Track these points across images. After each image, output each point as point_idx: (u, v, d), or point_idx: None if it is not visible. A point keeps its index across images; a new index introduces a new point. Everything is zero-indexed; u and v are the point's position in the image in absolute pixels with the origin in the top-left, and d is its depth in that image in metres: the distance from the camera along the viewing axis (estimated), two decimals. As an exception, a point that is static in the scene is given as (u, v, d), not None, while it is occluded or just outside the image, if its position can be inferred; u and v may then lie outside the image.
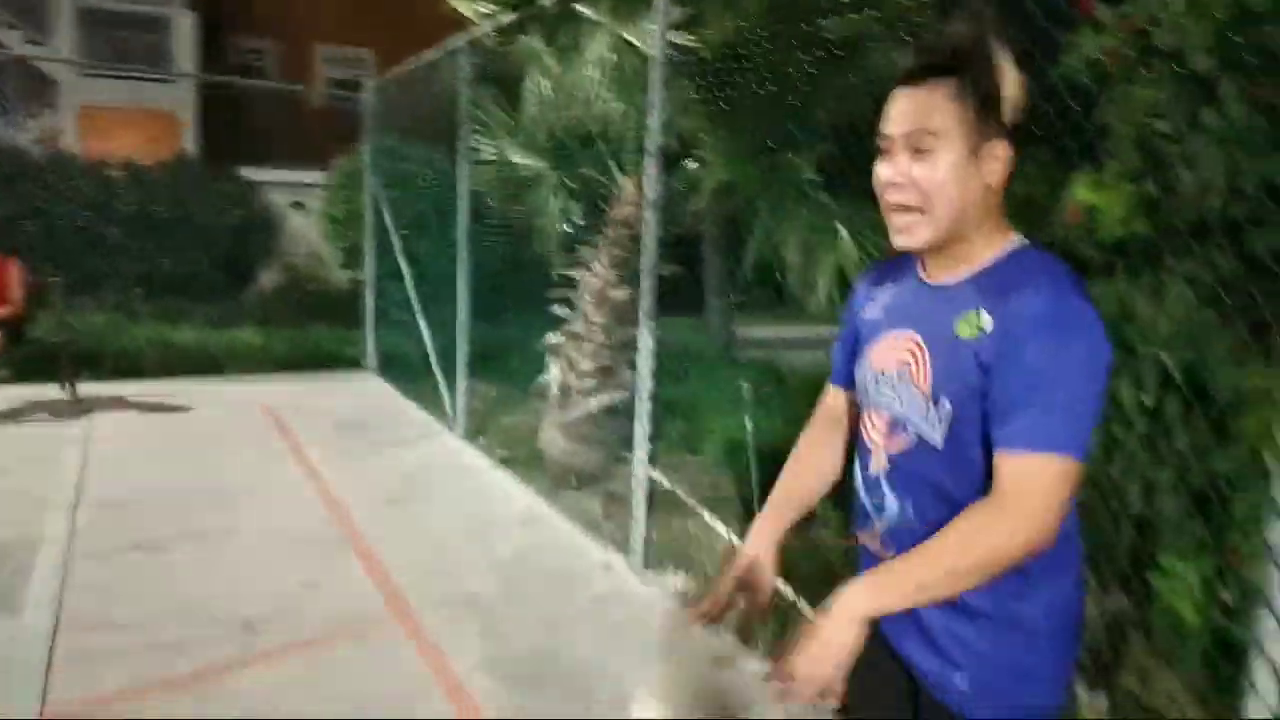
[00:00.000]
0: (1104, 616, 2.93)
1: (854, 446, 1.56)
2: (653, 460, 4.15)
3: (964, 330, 1.32)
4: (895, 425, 1.41)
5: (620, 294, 5.12)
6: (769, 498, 1.69)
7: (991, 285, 1.32)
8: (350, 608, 3.62)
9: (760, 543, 1.63)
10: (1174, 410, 2.31)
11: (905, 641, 1.44)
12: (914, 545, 1.32)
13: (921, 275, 1.45)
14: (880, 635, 1.43)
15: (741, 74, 4.20)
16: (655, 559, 4.15)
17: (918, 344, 1.39)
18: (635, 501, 4.19)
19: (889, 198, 1.38)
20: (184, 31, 15.11)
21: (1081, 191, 2.70)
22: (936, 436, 1.34)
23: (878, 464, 1.44)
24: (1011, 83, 1.32)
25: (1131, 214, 2.57)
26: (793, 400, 6.51)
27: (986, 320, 1.29)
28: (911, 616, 1.39)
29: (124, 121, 14.93)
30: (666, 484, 4.51)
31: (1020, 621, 1.36)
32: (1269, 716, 1.89)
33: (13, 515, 4.41)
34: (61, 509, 4.53)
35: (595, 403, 5.25)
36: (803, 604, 3.64)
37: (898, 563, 1.32)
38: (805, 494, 1.67)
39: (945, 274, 1.40)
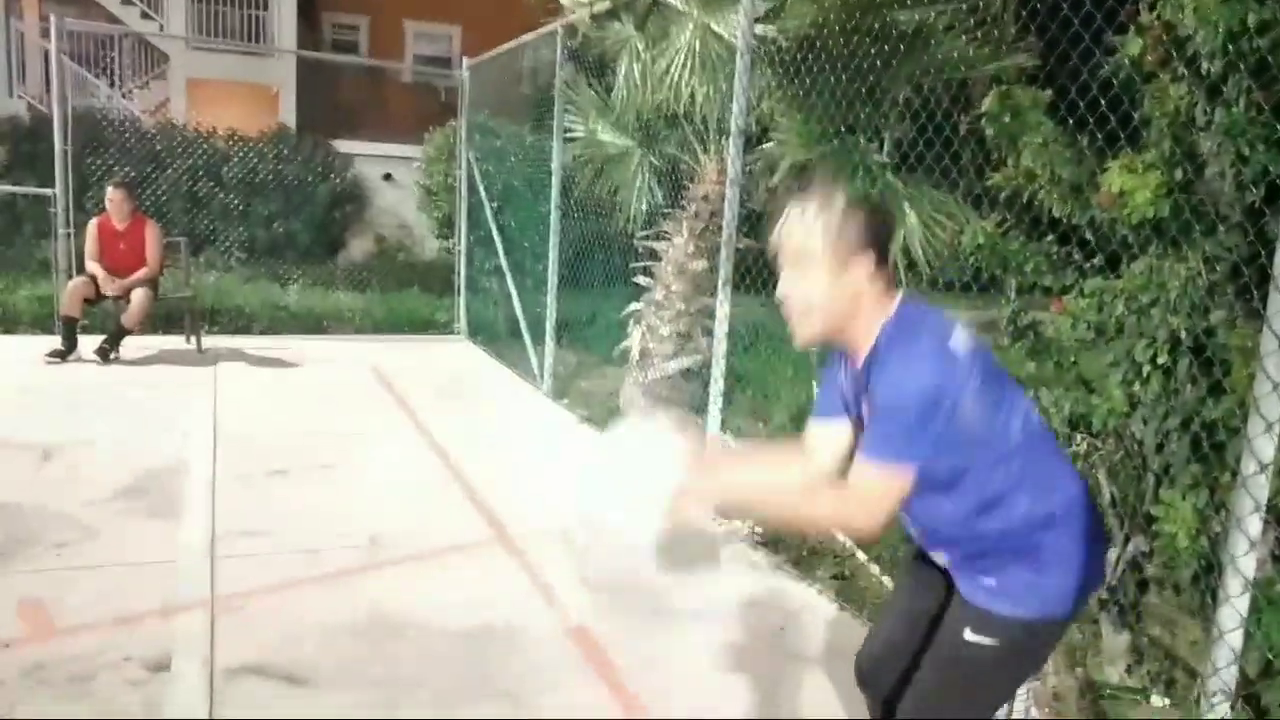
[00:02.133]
0: (1122, 560, 3.30)
1: None
2: (724, 417, 4.59)
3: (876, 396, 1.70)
4: None
5: (698, 265, 5.56)
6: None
7: (875, 365, 1.69)
8: (458, 531, 4.15)
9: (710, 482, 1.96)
10: (1184, 368, 2.67)
11: (946, 555, 1.85)
12: (943, 544, 1.83)
13: (851, 364, 1.81)
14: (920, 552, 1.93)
15: (817, 62, 4.56)
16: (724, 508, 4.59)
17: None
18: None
19: (786, 308, 1.75)
20: (284, 8, 15.82)
21: (1114, 177, 3.04)
22: None
23: None
24: (859, 215, 1.68)
25: (1158, 198, 2.90)
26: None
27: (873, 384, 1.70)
28: (957, 544, 1.81)
29: (227, 94, 15.73)
30: (733, 444, 4.96)
31: (1039, 550, 1.74)
32: (1242, 617, 2.27)
33: (162, 445, 5.04)
34: (202, 441, 5.16)
35: (673, 366, 5.71)
36: (861, 554, 4.07)
37: (748, 483, 1.95)
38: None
39: (856, 361, 1.76)
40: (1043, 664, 1.88)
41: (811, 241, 1.67)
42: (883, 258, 1.69)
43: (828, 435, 1.90)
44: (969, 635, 1.76)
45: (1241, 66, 2.44)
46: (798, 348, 1.79)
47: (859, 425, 1.81)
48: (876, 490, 1.64)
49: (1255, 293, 2.52)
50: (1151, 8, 2.89)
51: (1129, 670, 3.30)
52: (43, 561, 3.55)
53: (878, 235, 1.69)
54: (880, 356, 1.67)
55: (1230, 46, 2.41)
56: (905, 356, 1.62)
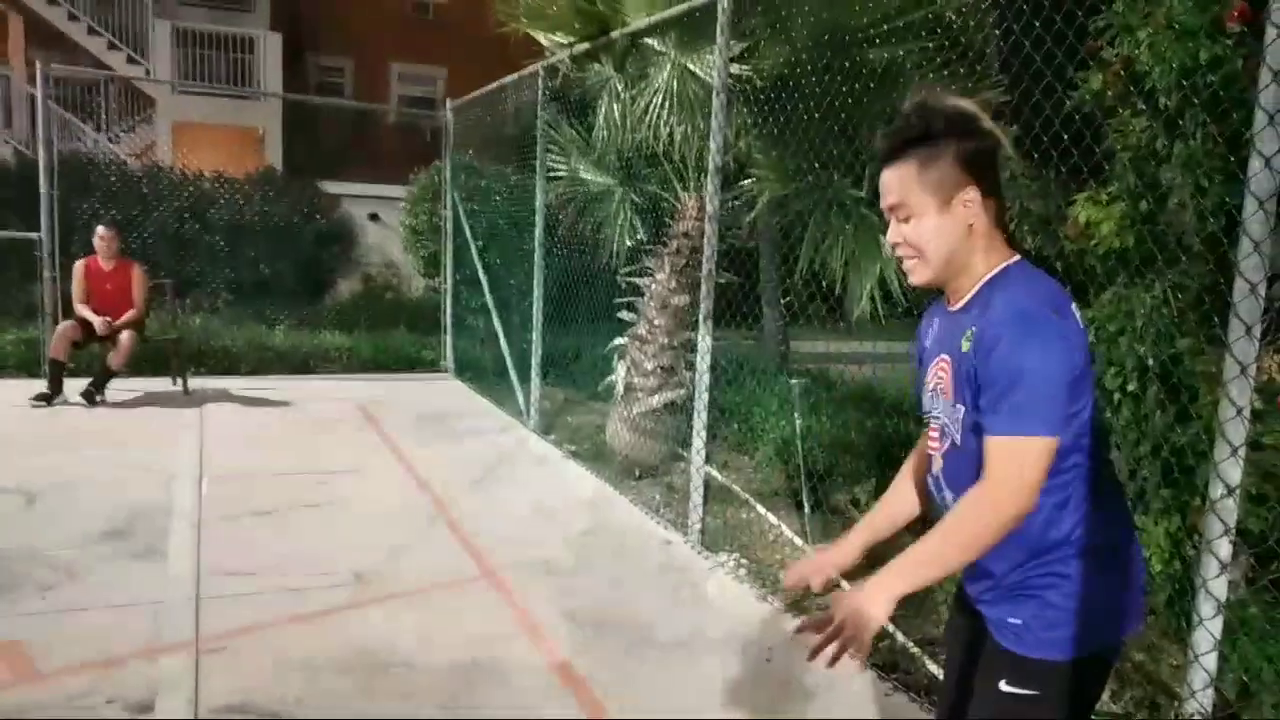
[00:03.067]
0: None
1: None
2: (709, 447, 4.63)
3: (964, 345, 1.59)
4: (942, 433, 1.70)
5: (681, 300, 5.62)
6: (867, 515, 1.96)
7: (979, 303, 1.61)
8: (443, 566, 4.16)
9: (844, 549, 1.87)
10: (1152, 395, 2.73)
11: (974, 592, 1.73)
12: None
13: (947, 307, 1.73)
14: (960, 595, 1.82)
15: (792, 100, 4.66)
16: (710, 540, 4.62)
17: (947, 362, 1.66)
18: (693, 486, 4.66)
19: (895, 253, 1.71)
20: (270, 51, 15.97)
21: (1081, 209, 3.12)
22: (959, 436, 1.63)
23: (936, 466, 1.74)
24: (981, 131, 1.58)
25: (1122, 229, 2.98)
26: (841, 406, 6.95)
27: (973, 332, 1.57)
28: (988, 582, 1.67)
29: (213, 137, 15.83)
30: (719, 477, 4.99)
31: (1071, 579, 1.59)
32: (1215, 639, 2.31)
33: (147, 486, 5.04)
34: (188, 481, 5.17)
35: (657, 399, 5.75)
36: (846, 585, 4.09)
37: (914, 550, 1.55)
38: (893, 515, 1.91)
39: (957, 300, 1.67)
40: (1093, 706, 1.69)
41: (908, 187, 1.61)
42: (992, 189, 1.61)
43: None
44: (1004, 687, 1.62)
45: (1195, 101, 2.52)
46: (911, 284, 1.69)
47: (929, 376, 1.74)
48: (1024, 466, 1.49)
49: (1218, 320, 2.59)
50: (1111, 44, 2.98)
51: (1113, 697, 3.33)
52: (27, 605, 3.55)
53: (978, 165, 1.60)
54: (986, 310, 1.57)
55: (1185, 82, 2.49)
56: (1025, 312, 1.51)
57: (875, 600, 1.52)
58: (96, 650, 3.19)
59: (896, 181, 1.62)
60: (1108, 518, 1.63)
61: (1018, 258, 1.65)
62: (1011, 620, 1.63)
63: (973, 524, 1.53)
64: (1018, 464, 1.49)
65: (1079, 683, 1.62)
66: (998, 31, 4.27)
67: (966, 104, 1.62)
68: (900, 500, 1.91)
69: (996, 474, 1.51)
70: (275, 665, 3.16)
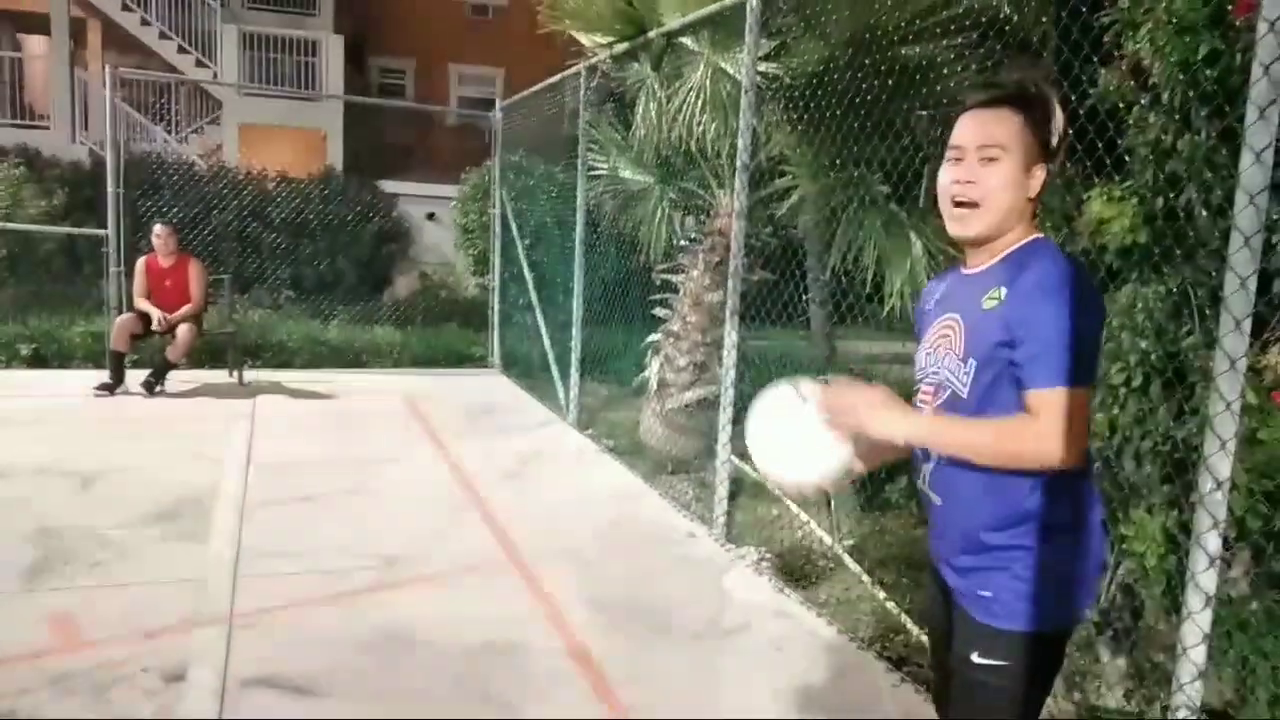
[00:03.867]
0: (1114, 584, 3.33)
1: None
2: (736, 445, 4.68)
3: (988, 304, 1.67)
4: (939, 389, 1.76)
5: (714, 297, 5.68)
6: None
7: (1007, 267, 1.69)
8: (473, 553, 4.29)
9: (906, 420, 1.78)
10: (1155, 391, 2.73)
11: (949, 570, 1.79)
12: (950, 483, 1.73)
13: (962, 270, 1.82)
14: (934, 569, 1.87)
15: (824, 97, 4.69)
16: (736, 534, 4.68)
17: (956, 321, 1.74)
18: (719, 479, 4.73)
19: (957, 193, 1.71)
20: (333, 54, 16.36)
21: (1096, 205, 3.12)
22: (964, 389, 1.69)
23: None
24: (1058, 121, 1.71)
25: (1135, 226, 2.98)
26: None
27: (1003, 292, 1.65)
28: (960, 546, 1.74)
29: (277, 138, 16.27)
30: (748, 469, 5.04)
31: (1024, 554, 1.67)
32: (1204, 632, 2.32)
33: (197, 473, 5.27)
34: (236, 469, 5.38)
35: (690, 395, 5.83)
36: (866, 578, 4.13)
37: (942, 421, 1.70)
38: None
39: (978, 264, 1.76)
40: (1054, 679, 1.78)
41: (1012, 137, 1.68)
42: (1051, 174, 1.73)
43: None
44: (976, 658, 1.70)
45: (1192, 94, 2.52)
46: (955, 234, 1.75)
47: (930, 337, 1.82)
48: (1067, 416, 1.55)
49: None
50: (1119, 41, 2.98)
51: (1128, 695, 3.32)
52: (77, 579, 3.75)
53: (1058, 151, 1.72)
54: (1022, 271, 1.64)
55: (1182, 76, 2.49)
56: (1066, 276, 1.59)
57: (881, 419, 1.70)
58: (138, 622, 3.38)
59: (999, 125, 1.69)
60: (1075, 495, 1.69)
61: (1043, 235, 1.75)
62: (981, 593, 1.70)
63: (1008, 442, 1.60)
64: (1069, 414, 1.55)
65: (1043, 654, 1.70)
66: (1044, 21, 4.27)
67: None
68: None
69: (1050, 419, 1.56)
70: (303, 641, 3.32)
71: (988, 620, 1.69)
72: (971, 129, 1.72)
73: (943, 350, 1.76)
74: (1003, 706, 1.70)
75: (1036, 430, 1.56)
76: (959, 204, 1.72)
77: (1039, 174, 1.70)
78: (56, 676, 2.97)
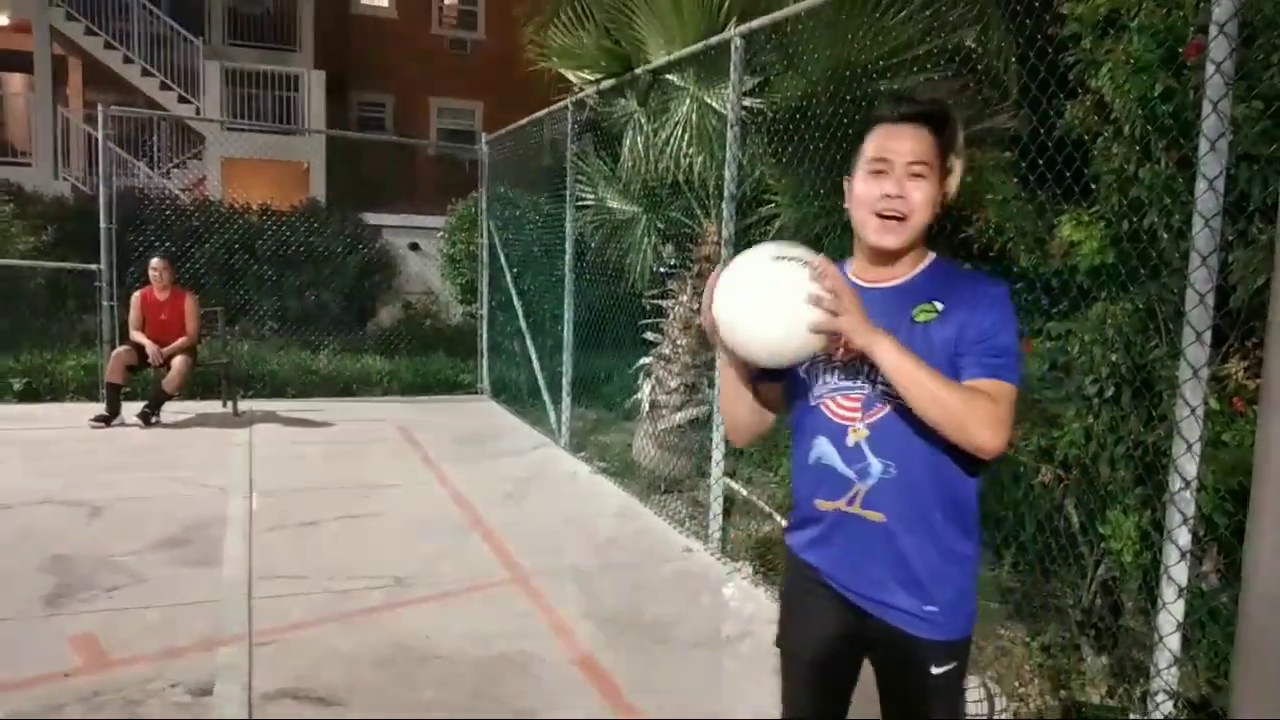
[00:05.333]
0: (1094, 583, 3.53)
1: (798, 435, 1.86)
2: (731, 462, 4.86)
3: (921, 316, 1.72)
4: (869, 403, 1.73)
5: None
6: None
7: (934, 282, 1.76)
8: (476, 571, 4.43)
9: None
10: (1126, 400, 2.94)
11: (886, 588, 1.75)
12: (899, 497, 1.71)
13: (862, 282, 1.79)
14: (825, 589, 1.82)
15: (805, 129, 4.91)
16: (731, 548, 4.84)
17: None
18: (713, 496, 4.90)
19: (885, 207, 1.72)
20: (314, 89, 16.55)
21: (1066, 229, 3.34)
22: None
23: (856, 435, 1.75)
24: (959, 148, 1.78)
25: (1103, 247, 3.20)
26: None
27: (939, 305, 1.72)
28: (903, 565, 1.73)
29: (260, 171, 16.40)
30: (740, 489, 5.22)
31: (966, 561, 1.76)
32: (1178, 621, 2.51)
33: (201, 500, 5.39)
34: (239, 496, 5.50)
35: (681, 416, 6.01)
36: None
37: (918, 363, 1.63)
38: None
39: (893, 277, 1.78)
40: None
41: (934, 153, 1.73)
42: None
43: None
44: (934, 669, 1.75)
45: (1150, 127, 2.75)
46: (880, 246, 1.74)
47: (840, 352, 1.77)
48: (1005, 410, 1.64)
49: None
50: (1082, 77, 3.22)
51: (1110, 692, 3.50)
52: (96, 604, 3.87)
53: (949, 179, 1.79)
54: (951, 284, 1.75)
55: (1140, 111, 2.72)
56: (996, 290, 1.73)
57: (866, 332, 1.60)
58: (160, 642, 3.50)
59: (923, 143, 1.73)
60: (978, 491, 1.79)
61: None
62: (928, 608, 1.73)
63: (969, 410, 1.61)
64: (1008, 405, 1.65)
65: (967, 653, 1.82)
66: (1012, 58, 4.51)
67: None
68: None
69: (1006, 410, 1.64)
70: (322, 657, 3.45)
71: (935, 636, 1.73)
72: (901, 143, 1.73)
73: (861, 363, 1.73)
74: (958, 700, 1.81)
75: (995, 414, 1.62)
76: (886, 217, 1.73)
77: (948, 194, 1.78)
78: (87, 694, 3.09)
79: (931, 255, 1.82)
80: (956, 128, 1.78)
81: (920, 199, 1.72)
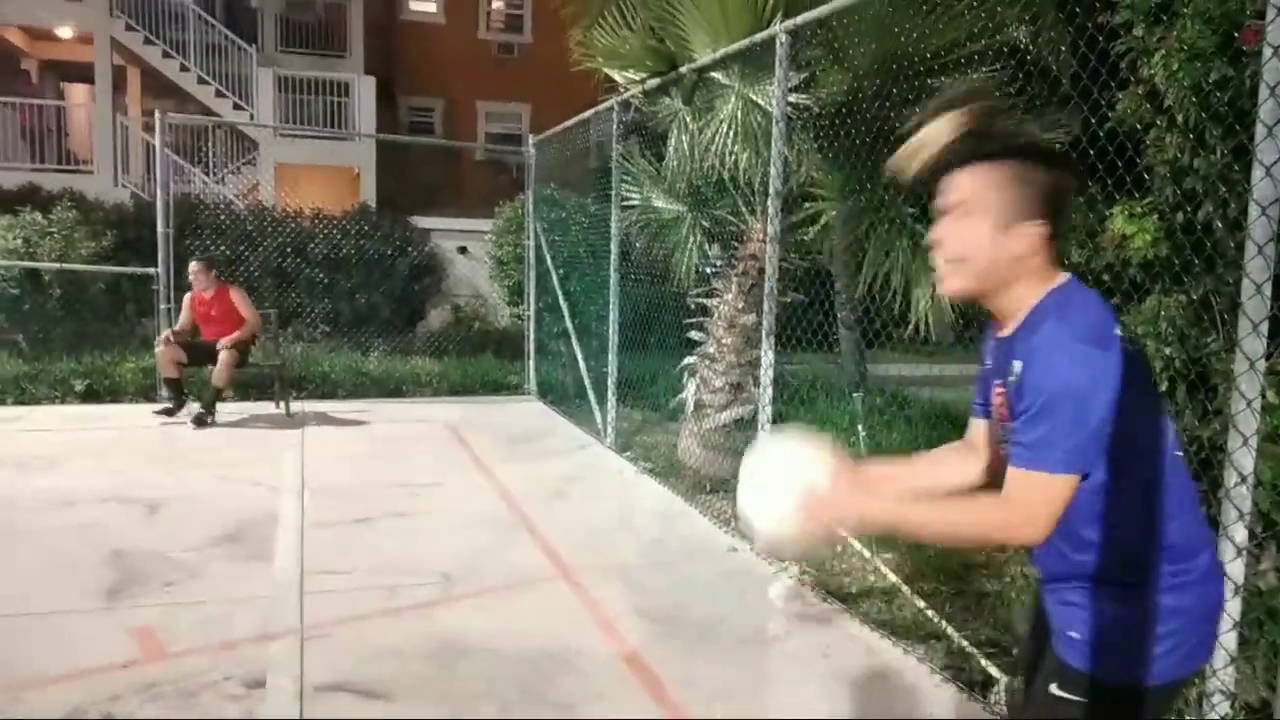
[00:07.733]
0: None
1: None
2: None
3: (1012, 379, 1.55)
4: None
5: (748, 319, 5.86)
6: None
7: (1024, 333, 1.56)
8: (524, 568, 4.47)
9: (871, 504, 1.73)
10: (1181, 395, 2.88)
11: (1052, 599, 1.68)
12: (1040, 554, 1.63)
13: (996, 331, 1.68)
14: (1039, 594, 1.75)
15: (852, 125, 4.88)
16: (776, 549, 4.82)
17: (1001, 388, 1.62)
18: (759, 494, 4.87)
19: (937, 252, 1.63)
20: (364, 94, 16.81)
21: (1118, 222, 3.28)
22: None
23: None
24: (1040, 176, 1.54)
25: (1156, 240, 3.13)
26: (915, 423, 7.09)
27: (1017, 366, 1.53)
28: (1067, 584, 1.63)
29: (312, 176, 16.70)
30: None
31: (1136, 603, 1.55)
32: (1235, 620, 2.45)
33: (254, 498, 5.49)
34: (290, 494, 5.60)
35: (726, 416, 5.99)
36: (905, 588, 4.26)
37: (907, 505, 1.63)
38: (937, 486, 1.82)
39: (1004, 327, 1.63)
40: None
41: (980, 192, 1.56)
42: (1056, 231, 1.56)
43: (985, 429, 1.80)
44: (1055, 690, 1.62)
45: (1205, 115, 2.69)
46: (941, 293, 1.69)
47: (989, 408, 1.71)
48: (1036, 502, 1.49)
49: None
50: (1134, 67, 3.15)
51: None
52: (153, 597, 3.96)
53: (1055, 205, 1.55)
54: (1030, 336, 1.53)
55: (1194, 100, 2.66)
56: (1059, 343, 1.47)
57: (840, 512, 1.65)
58: (214, 635, 3.57)
59: (972, 182, 1.57)
60: (1138, 555, 1.56)
61: (1064, 278, 1.59)
62: (1070, 634, 1.61)
63: (973, 527, 1.57)
64: (1032, 499, 1.50)
65: (1120, 704, 1.58)
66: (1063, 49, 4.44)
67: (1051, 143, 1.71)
68: (952, 474, 1.83)
69: (1015, 502, 1.52)
70: (371, 651, 3.49)
71: (1065, 656, 1.62)
72: (947, 186, 1.61)
73: (1002, 416, 1.65)
74: None
75: (1006, 520, 1.53)
76: (943, 261, 1.63)
77: (1025, 232, 1.55)
78: (145, 684, 3.17)
79: (1044, 292, 1.57)
80: (1045, 153, 1.59)
81: (970, 242, 1.57)
